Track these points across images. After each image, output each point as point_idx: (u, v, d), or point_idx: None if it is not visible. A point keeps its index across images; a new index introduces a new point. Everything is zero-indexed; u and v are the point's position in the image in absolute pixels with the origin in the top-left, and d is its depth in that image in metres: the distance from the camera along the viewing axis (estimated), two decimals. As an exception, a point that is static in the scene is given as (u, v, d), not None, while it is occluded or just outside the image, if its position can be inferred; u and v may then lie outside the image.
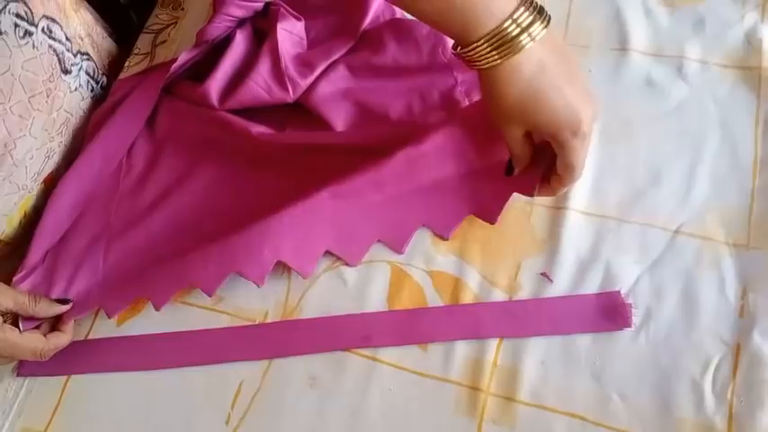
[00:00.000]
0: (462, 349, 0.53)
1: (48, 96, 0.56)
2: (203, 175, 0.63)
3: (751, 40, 0.61)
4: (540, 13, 0.46)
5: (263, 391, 0.53)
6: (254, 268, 0.54)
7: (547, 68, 0.46)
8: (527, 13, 0.45)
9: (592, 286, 0.54)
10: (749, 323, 0.50)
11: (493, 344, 0.52)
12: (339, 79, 0.64)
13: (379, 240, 0.57)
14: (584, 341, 0.52)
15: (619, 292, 0.53)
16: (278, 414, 0.52)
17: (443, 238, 0.57)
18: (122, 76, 0.67)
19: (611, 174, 0.58)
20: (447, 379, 0.52)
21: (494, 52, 0.46)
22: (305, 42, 0.65)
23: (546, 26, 0.46)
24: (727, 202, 0.55)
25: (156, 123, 0.66)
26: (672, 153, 0.58)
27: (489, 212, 0.57)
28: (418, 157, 0.57)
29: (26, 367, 0.56)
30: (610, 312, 0.52)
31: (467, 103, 0.62)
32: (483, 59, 0.46)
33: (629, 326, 0.52)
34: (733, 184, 0.56)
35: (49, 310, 0.55)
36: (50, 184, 0.61)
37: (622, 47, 0.63)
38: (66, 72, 0.59)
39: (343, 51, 0.65)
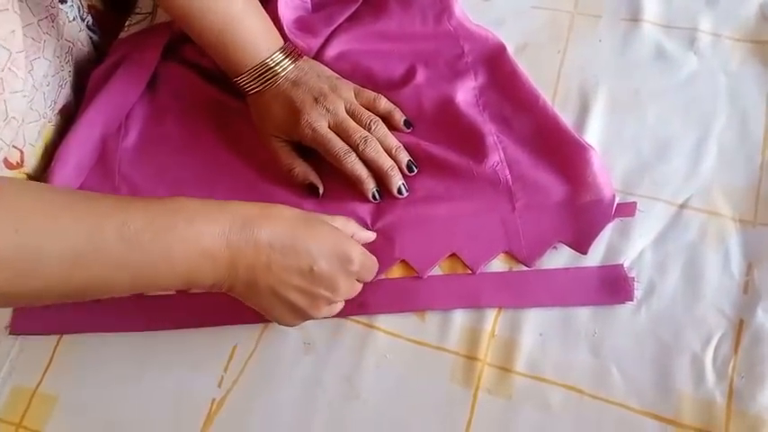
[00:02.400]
0: (460, 319, 0.52)
1: (53, 21, 0.59)
2: (206, 144, 0.62)
3: (765, 13, 0.60)
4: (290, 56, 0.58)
5: (257, 355, 0.52)
6: None
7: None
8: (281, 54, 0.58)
9: (594, 259, 0.53)
10: (753, 299, 0.49)
11: (491, 314, 0.52)
12: (342, 43, 0.63)
13: (402, 261, 0.55)
14: (583, 313, 0.51)
15: (622, 265, 0.52)
16: (271, 378, 0.52)
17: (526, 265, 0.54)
18: (123, 35, 0.66)
19: (618, 146, 0.57)
20: (444, 348, 0.51)
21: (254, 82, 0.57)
22: (309, 5, 0.64)
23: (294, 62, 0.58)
24: (735, 177, 0.54)
25: (156, 86, 0.65)
26: (680, 126, 0.57)
27: (580, 241, 0.53)
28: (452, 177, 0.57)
29: (18, 326, 0.56)
30: (612, 285, 0.51)
31: (472, 75, 0.61)
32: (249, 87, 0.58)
33: (631, 299, 0.51)
34: (741, 159, 0.55)
35: (363, 234, 0.55)
36: (66, 116, 0.63)
37: (634, 17, 0.62)
38: (63, 1, 0.62)
39: (346, 15, 0.64)
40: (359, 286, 0.50)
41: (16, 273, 0.37)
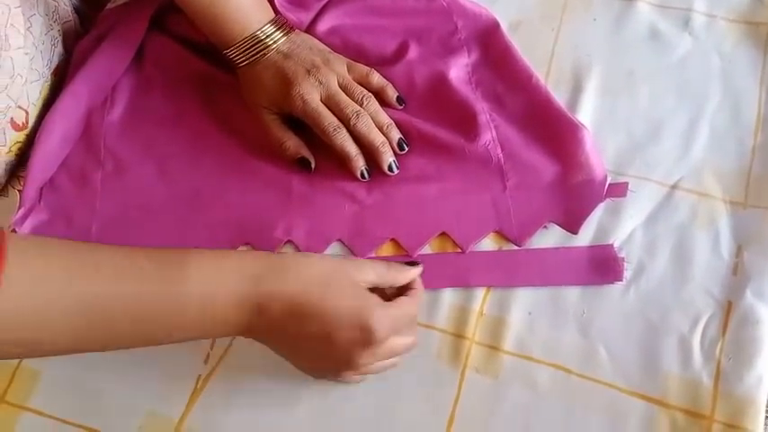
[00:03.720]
0: (449, 297, 0.52)
1: None
2: (193, 118, 0.61)
3: (761, -5, 0.60)
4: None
5: (244, 332, 0.52)
6: (263, 245, 0.54)
7: None
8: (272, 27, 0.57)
9: (585, 239, 0.52)
10: (742, 281, 0.50)
11: (480, 293, 0.52)
12: (333, 18, 0.62)
13: (391, 239, 0.54)
14: (572, 293, 0.51)
15: (612, 245, 0.52)
16: (257, 356, 0.51)
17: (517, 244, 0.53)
18: (110, 5, 0.65)
19: (611, 126, 0.56)
20: (432, 326, 0.51)
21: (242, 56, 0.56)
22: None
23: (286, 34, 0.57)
24: (727, 158, 0.54)
25: (143, 59, 0.64)
26: (673, 107, 0.57)
27: (571, 221, 0.53)
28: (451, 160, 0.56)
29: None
30: (601, 265, 0.51)
31: (465, 52, 0.60)
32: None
33: (621, 280, 0.51)
34: (733, 140, 0.55)
35: (404, 275, 0.47)
36: (59, 77, 0.62)
37: (629, -4, 0.61)
38: None
39: (338, -11, 0.63)
40: (390, 362, 0.46)
41: (26, 347, 0.39)
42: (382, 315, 0.42)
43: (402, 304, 0.44)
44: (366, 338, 0.42)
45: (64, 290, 0.38)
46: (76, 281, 0.38)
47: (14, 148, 0.58)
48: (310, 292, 0.42)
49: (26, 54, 0.55)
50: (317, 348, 0.43)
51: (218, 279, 0.41)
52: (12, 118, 0.56)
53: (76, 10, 0.65)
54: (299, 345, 0.44)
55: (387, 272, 0.45)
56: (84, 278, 0.39)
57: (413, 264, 0.47)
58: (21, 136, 0.58)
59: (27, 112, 0.58)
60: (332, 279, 0.43)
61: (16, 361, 0.52)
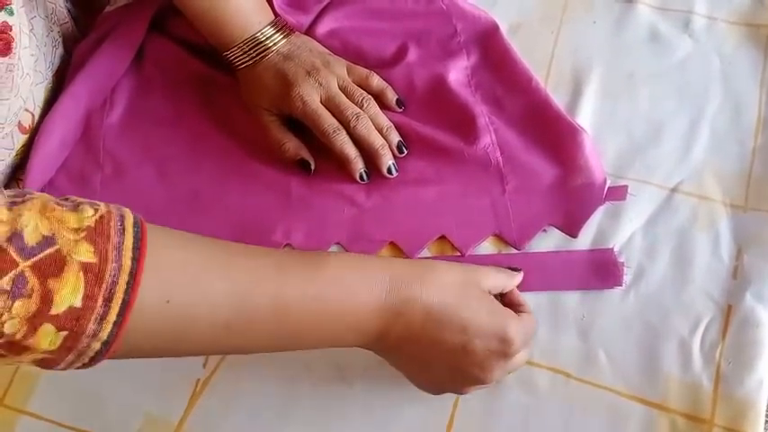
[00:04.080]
0: (448, 301, 0.51)
1: None
2: (193, 120, 0.61)
3: (761, -3, 0.60)
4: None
5: (243, 336, 0.52)
6: None
7: None
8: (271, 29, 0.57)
9: (584, 242, 0.52)
10: (742, 285, 0.49)
11: (480, 296, 0.51)
12: (333, 21, 0.62)
13: (390, 242, 0.54)
14: (572, 297, 0.51)
15: (612, 249, 0.51)
16: (257, 361, 0.51)
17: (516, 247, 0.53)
18: (109, 8, 0.65)
19: (610, 128, 0.56)
20: (431, 330, 0.51)
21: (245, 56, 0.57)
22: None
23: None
24: (727, 161, 0.54)
25: (142, 60, 0.63)
26: (673, 109, 0.56)
27: (571, 225, 0.53)
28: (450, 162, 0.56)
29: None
30: (601, 270, 0.51)
31: (464, 55, 0.60)
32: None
33: (620, 285, 0.51)
34: (733, 143, 0.55)
35: (514, 279, 0.47)
36: (60, 79, 0.62)
37: (629, -1, 0.61)
38: None
39: (336, -8, 0.63)
40: (515, 366, 0.45)
41: (164, 340, 0.36)
42: (519, 327, 0.42)
43: (531, 318, 0.45)
44: (504, 350, 0.42)
45: (208, 282, 0.37)
46: (216, 273, 0.37)
47: (20, 151, 0.58)
48: (447, 300, 0.41)
49: (32, 55, 0.55)
50: (450, 360, 0.42)
51: (360, 280, 0.40)
52: (20, 121, 0.56)
53: (70, 13, 0.65)
54: (431, 356, 0.42)
55: (506, 279, 0.45)
56: (224, 270, 0.38)
57: (515, 270, 0.47)
58: (26, 139, 0.58)
59: (33, 115, 0.58)
60: (466, 287, 0.42)
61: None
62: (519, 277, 0.47)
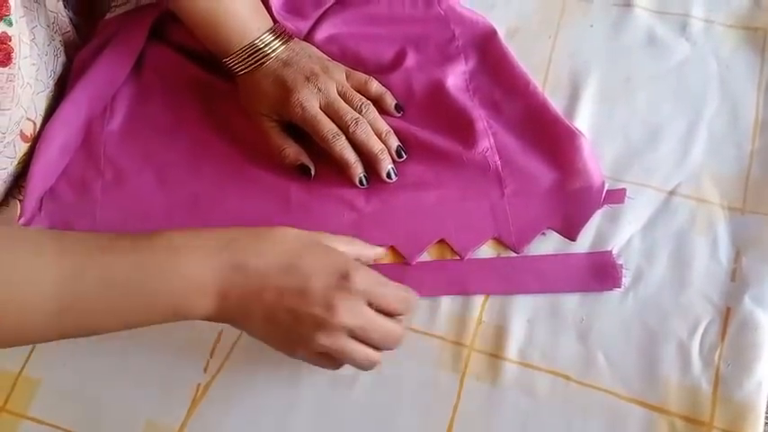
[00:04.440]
0: (447, 305, 0.52)
1: None
2: (193, 126, 0.61)
3: (758, 0, 0.60)
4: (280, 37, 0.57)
5: (243, 341, 0.52)
6: None
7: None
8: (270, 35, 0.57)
9: (583, 245, 0.52)
10: (741, 287, 0.49)
11: (478, 300, 0.52)
12: (331, 26, 0.62)
13: (390, 247, 0.54)
14: (571, 300, 0.51)
15: (610, 252, 0.52)
16: (257, 364, 0.51)
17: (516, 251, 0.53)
18: (110, 15, 0.65)
19: (608, 132, 0.56)
20: (431, 333, 0.51)
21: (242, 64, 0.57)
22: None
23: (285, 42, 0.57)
24: (725, 164, 0.54)
25: (143, 68, 0.64)
26: (671, 113, 0.57)
27: (570, 228, 0.53)
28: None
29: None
30: (600, 272, 0.51)
31: (462, 59, 0.60)
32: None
33: (619, 287, 0.51)
34: (731, 146, 0.55)
35: (372, 250, 0.51)
36: (61, 87, 0.62)
37: (626, 2, 0.61)
38: None
39: (334, -1, 0.63)
40: (376, 355, 0.45)
41: (4, 336, 0.38)
42: (361, 268, 0.44)
43: (391, 282, 0.45)
44: (344, 285, 0.42)
45: (35, 268, 0.38)
46: (46, 257, 0.39)
47: (22, 160, 0.58)
48: (287, 250, 0.43)
49: (33, 65, 0.56)
50: (293, 304, 0.42)
51: (192, 240, 0.42)
52: (22, 130, 0.56)
53: (72, 21, 0.65)
54: (275, 308, 0.42)
55: (360, 248, 0.49)
56: (54, 254, 0.39)
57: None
58: (28, 147, 0.58)
59: (35, 123, 0.58)
60: (311, 242, 0.44)
61: (17, 370, 0.52)
62: (378, 250, 0.50)
